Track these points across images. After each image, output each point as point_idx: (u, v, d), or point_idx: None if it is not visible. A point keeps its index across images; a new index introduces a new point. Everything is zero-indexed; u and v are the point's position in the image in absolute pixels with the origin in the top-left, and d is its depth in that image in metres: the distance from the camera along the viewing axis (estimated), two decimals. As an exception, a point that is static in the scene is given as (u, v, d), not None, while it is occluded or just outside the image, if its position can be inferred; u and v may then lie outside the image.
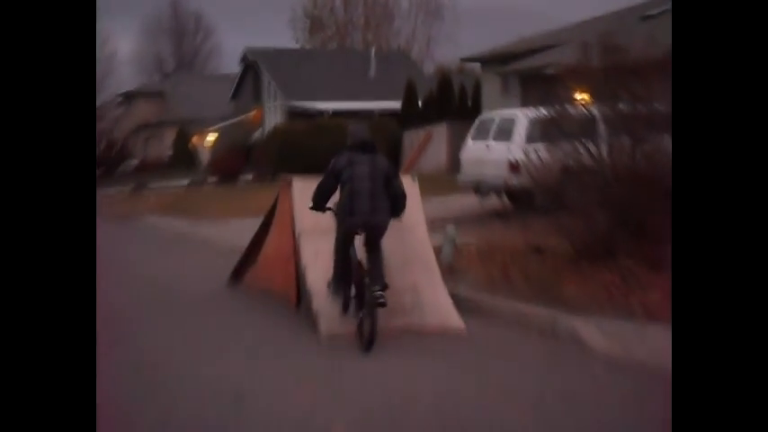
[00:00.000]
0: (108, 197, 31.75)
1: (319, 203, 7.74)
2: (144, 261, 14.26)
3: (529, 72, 24.07)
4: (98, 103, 64.51)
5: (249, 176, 34.10)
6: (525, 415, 5.51)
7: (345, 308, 7.67)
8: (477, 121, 17.57)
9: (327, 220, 7.85)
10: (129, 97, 62.99)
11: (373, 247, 7.47)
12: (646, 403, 5.69)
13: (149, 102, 60.34)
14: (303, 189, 8.79)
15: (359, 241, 7.59)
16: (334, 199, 7.68)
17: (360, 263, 7.57)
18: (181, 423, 5.62)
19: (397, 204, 7.60)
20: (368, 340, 6.97)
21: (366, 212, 7.31)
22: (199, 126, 48.88)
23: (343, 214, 7.42)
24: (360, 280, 7.47)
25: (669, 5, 24.01)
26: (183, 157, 46.28)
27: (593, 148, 9.72)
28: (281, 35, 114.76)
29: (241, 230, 12.84)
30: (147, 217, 22.68)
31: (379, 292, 7.06)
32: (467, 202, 16.56)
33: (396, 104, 34.80)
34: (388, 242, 7.67)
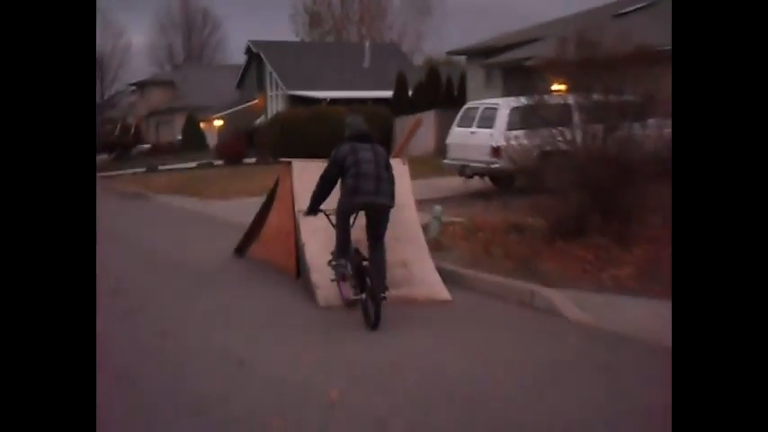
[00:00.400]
0: (122, 178, 31.62)
1: (317, 200, 7.54)
2: (156, 235, 14.21)
3: (510, 65, 23.99)
4: (113, 92, 64.34)
5: (253, 159, 33.98)
6: (504, 377, 5.53)
7: (358, 292, 7.37)
8: (462, 110, 17.52)
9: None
10: (142, 86, 62.80)
11: (377, 238, 7.29)
12: (615, 368, 5.71)
13: (161, 90, 60.13)
14: (302, 170, 8.76)
15: (360, 230, 7.45)
16: (328, 202, 7.54)
17: (357, 249, 7.47)
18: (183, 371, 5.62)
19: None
20: (373, 323, 6.92)
21: (371, 193, 7.15)
22: (206, 113, 48.67)
23: (348, 194, 7.20)
24: (358, 264, 7.36)
25: (640, 4, 23.98)
26: (192, 142, 46.07)
27: (568, 135, 9.71)
28: (283, 29, 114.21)
29: (245, 208, 12.79)
30: (158, 196, 22.59)
31: (381, 295, 6.98)
32: (452, 183, 16.57)
33: (388, 93, 34.74)
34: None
